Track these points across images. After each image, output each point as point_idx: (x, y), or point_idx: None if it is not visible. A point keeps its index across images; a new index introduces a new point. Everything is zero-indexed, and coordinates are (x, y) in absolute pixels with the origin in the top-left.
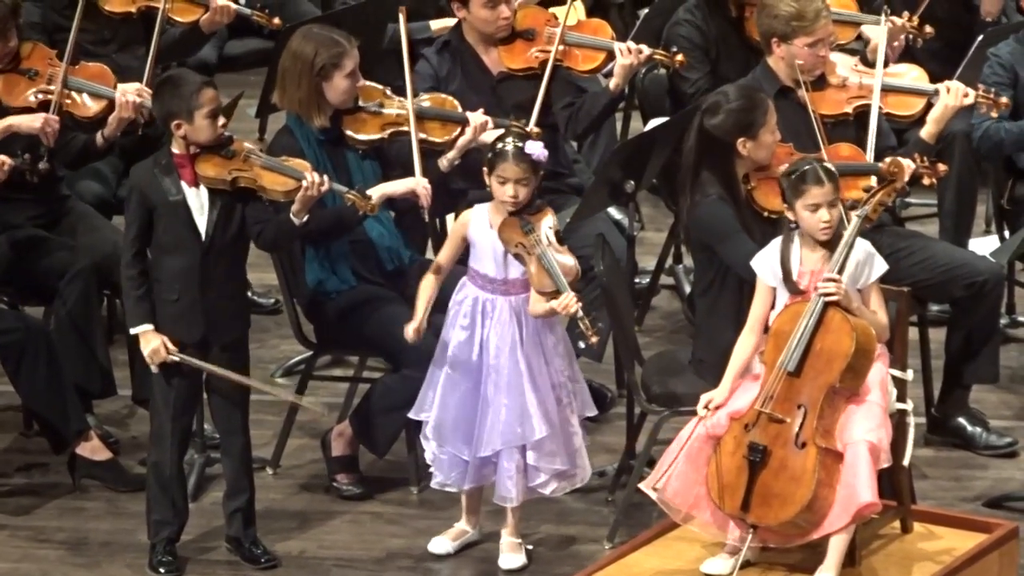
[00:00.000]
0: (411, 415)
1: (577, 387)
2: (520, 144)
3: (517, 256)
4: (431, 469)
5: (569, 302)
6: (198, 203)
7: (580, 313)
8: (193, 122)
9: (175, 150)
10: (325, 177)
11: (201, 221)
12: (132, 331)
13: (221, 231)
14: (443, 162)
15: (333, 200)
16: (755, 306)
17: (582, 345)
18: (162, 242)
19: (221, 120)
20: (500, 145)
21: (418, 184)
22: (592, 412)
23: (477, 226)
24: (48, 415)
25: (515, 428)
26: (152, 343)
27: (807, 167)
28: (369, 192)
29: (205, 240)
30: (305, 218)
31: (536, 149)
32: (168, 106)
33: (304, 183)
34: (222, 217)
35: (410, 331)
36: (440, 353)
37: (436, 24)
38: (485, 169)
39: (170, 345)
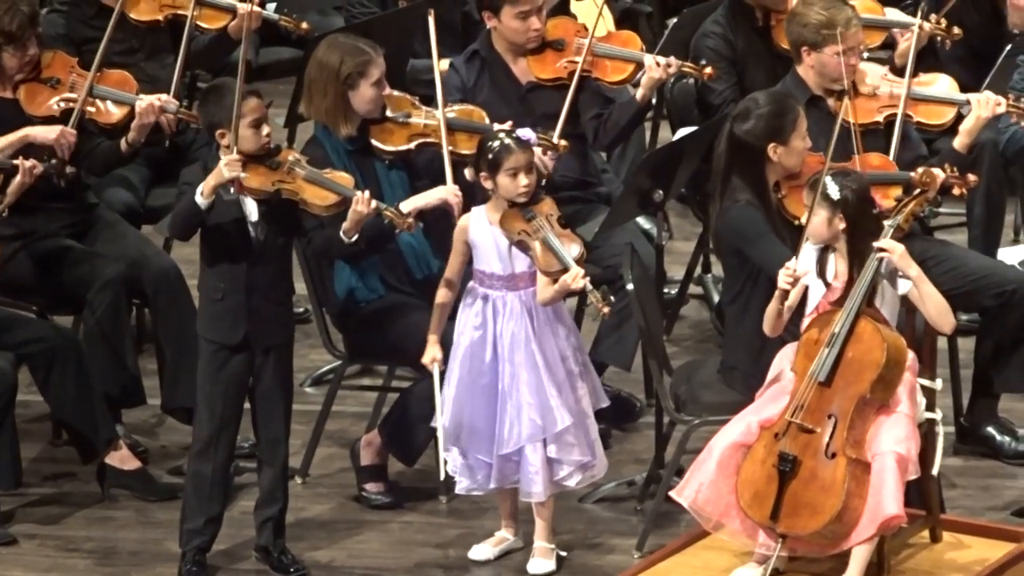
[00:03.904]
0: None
1: (589, 377)
2: (513, 134)
3: (520, 243)
4: (456, 477)
5: (577, 275)
6: (250, 206)
7: (589, 286)
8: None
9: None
10: (368, 194)
11: (251, 225)
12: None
13: (271, 236)
14: (469, 172)
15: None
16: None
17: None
18: (211, 240)
19: (265, 130)
20: (496, 143)
21: (449, 193)
22: (605, 403)
23: (477, 227)
24: (77, 425)
25: (536, 422)
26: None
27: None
28: (402, 206)
29: (255, 244)
30: (355, 237)
31: (528, 133)
32: (212, 115)
33: (354, 198)
34: (272, 223)
35: (427, 359)
36: (452, 358)
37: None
38: (484, 174)
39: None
